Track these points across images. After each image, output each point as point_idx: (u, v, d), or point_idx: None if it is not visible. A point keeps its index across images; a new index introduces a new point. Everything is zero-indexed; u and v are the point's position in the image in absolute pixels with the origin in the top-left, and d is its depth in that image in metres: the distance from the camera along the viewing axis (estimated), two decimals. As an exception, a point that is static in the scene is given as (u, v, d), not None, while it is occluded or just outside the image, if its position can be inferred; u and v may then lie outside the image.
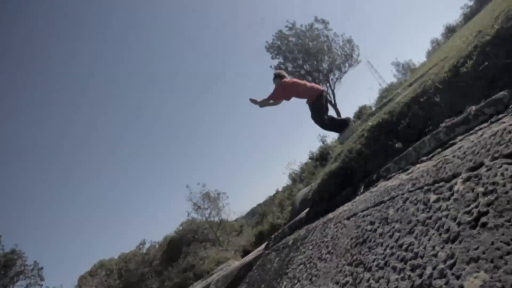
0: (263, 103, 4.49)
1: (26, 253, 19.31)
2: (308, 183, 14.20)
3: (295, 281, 1.90)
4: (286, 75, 4.65)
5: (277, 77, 4.54)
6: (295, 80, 4.68)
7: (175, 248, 19.51)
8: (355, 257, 1.46)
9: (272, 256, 2.77)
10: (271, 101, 4.54)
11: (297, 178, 18.67)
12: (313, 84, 4.55)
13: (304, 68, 25.83)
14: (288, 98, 4.57)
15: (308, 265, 1.92)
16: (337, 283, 1.42)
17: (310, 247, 2.14)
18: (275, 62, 26.41)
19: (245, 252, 16.88)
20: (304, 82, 4.60)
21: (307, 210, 3.97)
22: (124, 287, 16.30)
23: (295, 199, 6.89)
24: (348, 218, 1.93)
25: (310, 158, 17.25)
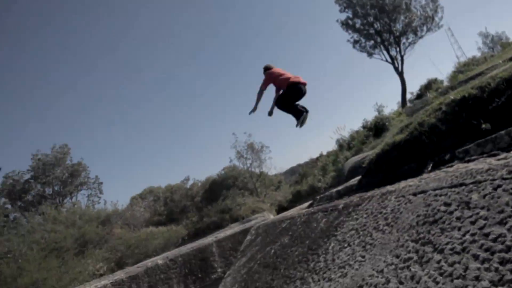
0: (257, 101, 5.19)
1: (89, 167, 21.99)
2: (357, 151, 13.75)
3: (345, 245, 1.89)
4: (273, 66, 5.32)
5: (265, 70, 5.24)
6: (279, 70, 5.19)
7: (216, 189, 20.77)
8: (422, 235, 1.38)
9: (318, 216, 2.78)
10: (262, 92, 5.24)
11: (345, 145, 18.14)
12: (295, 76, 5.00)
13: (374, 27, 23.46)
14: (274, 83, 5.18)
15: (361, 233, 1.89)
16: (397, 256, 1.37)
17: (365, 216, 2.09)
18: (343, 16, 24.34)
19: (280, 208, 17.46)
20: (286, 72, 5.12)
21: (358, 178, 3.85)
22: (168, 214, 18.01)
23: (344, 165, 6.73)
24: (414, 194, 1.82)
25: (363, 127, 16.45)
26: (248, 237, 3.85)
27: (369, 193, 2.50)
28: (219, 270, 4.80)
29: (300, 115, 4.86)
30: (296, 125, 4.99)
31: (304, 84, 4.92)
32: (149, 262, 4.73)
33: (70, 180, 20.22)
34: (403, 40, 23.25)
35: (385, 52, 23.74)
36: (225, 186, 20.87)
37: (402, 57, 23.36)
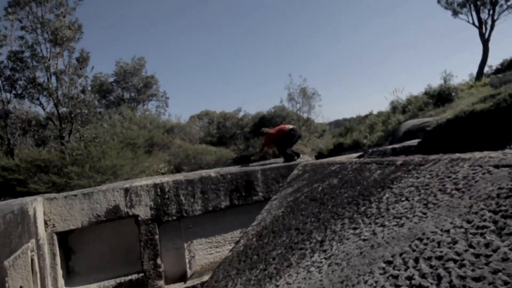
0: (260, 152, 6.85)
1: (160, 82, 23.15)
2: (411, 116, 12.62)
3: (402, 198, 1.78)
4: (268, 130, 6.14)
5: (262, 134, 6.06)
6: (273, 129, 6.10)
7: (263, 125, 20.96)
8: (503, 208, 1.21)
9: (372, 167, 2.64)
10: (265, 149, 6.49)
11: (399, 108, 16.69)
12: (285, 125, 5.98)
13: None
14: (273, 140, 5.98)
15: (422, 191, 1.74)
16: (468, 221, 1.24)
17: (428, 176, 1.91)
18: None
19: (320, 155, 17.34)
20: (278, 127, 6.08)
21: (417, 140, 3.54)
22: (219, 138, 18.94)
23: (400, 126, 6.24)
24: (497, 166, 1.58)
25: (425, 93, 14.74)
26: (295, 172, 3.90)
27: (434, 156, 2.26)
28: (260, 194, 4.98)
29: (291, 159, 5.64)
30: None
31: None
32: (203, 172, 5.02)
33: (143, 90, 21.64)
34: (501, 1, 18.85)
35: (474, 13, 19.66)
36: (273, 123, 20.95)
37: (493, 21, 19.18)
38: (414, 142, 3.48)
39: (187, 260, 4.40)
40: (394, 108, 17.06)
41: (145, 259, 3.97)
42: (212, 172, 4.77)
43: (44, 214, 3.37)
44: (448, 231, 1.21)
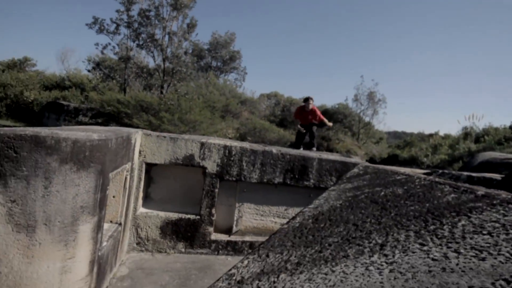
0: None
1: (243, 58, 23.67)
2: (486, 148, 10.75)
3: (484, 231, 1.49)
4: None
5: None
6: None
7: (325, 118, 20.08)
8: None
9: (445, 188, 2.29)
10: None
11: (472, 135, 14.37)
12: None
13: None
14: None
15: (511, 231, 1.44)
16: None
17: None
18: None
19: (371, 161, 16.13)
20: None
21: (502, 175, 2.97)
22: (281, 120, 18.84)
23: (477, 156, 5.35)
24: None
25: (511, 127, 12.34)
26: (356, 170, 3.65)
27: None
28: (311, 180, 4.84)
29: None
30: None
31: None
32: (266, 147, 5.00)
33: (228, 61, 22.37)
34: None
35: None
36: (334, 119, 19.99)
37: None
38: (496, 176, 2.93)
39: (235, 218, 4.59)
40: (466, 134, 14.77)
41: (204, 206, 4.24)
42: (274, 149, 4.75)
43: (140, 145, 3.77)
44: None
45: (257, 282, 1.40)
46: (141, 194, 4.01)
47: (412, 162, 13.45)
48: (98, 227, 2.39)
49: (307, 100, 6.09)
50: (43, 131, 1.87)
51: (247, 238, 4.51)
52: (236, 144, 4.66)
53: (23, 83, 16.52)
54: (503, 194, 2.11)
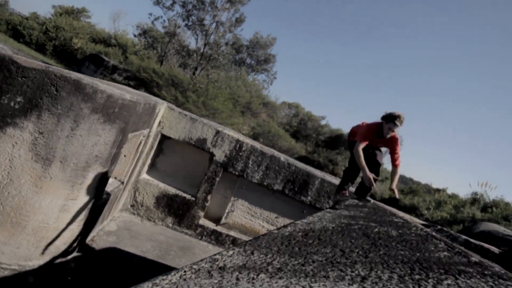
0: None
1: (277, 62, 23.72)
2: (491, 219, 10.40)
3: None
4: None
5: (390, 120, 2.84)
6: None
7: (337, 142, 19.82)
8: None
9: (440, 244, 2.27)
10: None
11: (481, 202, 13.92)
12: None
13: None
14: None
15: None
16: None
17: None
18: None
19: (371, 197, 15.83)
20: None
21: (500, 250, 2.91)
22: (295, 131, 18.75)
23: (480, 224, 5.21)
24: None
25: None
26: (356, 200, 3.64)
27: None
28: (308, 197, 4.85)
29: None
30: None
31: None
32: (275, 152, 5.03)
33: (262, 62, 22.52)
34: None
35: None
36: (346, 145, 19.67)
37: None
38: (495, 249, 2.87)
39: (227, 210, 4.64)
40: (474, 200, 14.31)
41: (201, 190, 4.32)
42: (282, 157, 4.79)
43: (162, 116, 3.88)
44: None
45: (237, 273, 1.45)
46: (148, 161, 4.12)
47: (412, 210, 13.15)
48: (105, 179, 2.49)
49: (394, 118, 2.81)
50: (85, 78, 1.98)
51: (232, 233, 4.56)
52: (248, 141, 4.72)
53: (74, 30, 17.45)
54: (497, 267, 2.08)
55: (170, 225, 4.32)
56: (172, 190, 4.27)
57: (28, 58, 1.94)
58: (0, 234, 1.98)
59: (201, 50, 10.13)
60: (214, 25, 10.28)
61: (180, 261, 3.71)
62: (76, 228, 2.38)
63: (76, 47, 16.15)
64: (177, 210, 4.29)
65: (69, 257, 2.45)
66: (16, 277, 2.13)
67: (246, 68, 19.33)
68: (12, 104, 1.82)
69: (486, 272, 1.85)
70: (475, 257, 2.14)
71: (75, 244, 2.48)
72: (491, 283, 1.70)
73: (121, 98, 2.22)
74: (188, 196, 4.32)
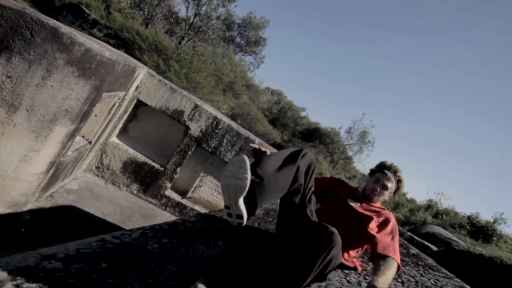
0: None
1: (266, 46, 23.35)
2: (440, 224, 11.52)
3: (401, 285, 1.75)
4: None
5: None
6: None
7: (312, 135, 20.37)
8: None
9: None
10: None
11: (434, 209, 15.28)
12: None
13: None
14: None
15: (419, 286, 1.70)
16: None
17: (432, 281, 1.85)
18: None
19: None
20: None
21: (437, 249, 3.33)
22: (274, 118, 18.95)
23: (427, 226, 5.79)
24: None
25: (469, 218, 13.15)
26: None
27: (446, 271, 2.15)
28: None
29: None
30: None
31: None
32: (250, 135, 5.13)
33: (251, 44, 22.08)
34: None
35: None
36: (321, 140, 20.31)
37: None
38: (434, 247, 3.27)
39: (194, 185, 4.72)
40: (429, 206, 15.64)
41: (171, 161, 4.34)
42: (257, 140, 4.91)
43: (140, 81, 3.78)
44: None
45: (196, 237, 1.57)
46: (120, 125, 4.03)
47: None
48: (71, 136, 2.44)
49: (384, 169, 1.59)
50: (64, 27, 1.90)
51: (197, 207, 4.68)
52: (226, 120, 4.76)
53: None
54: (430, 260, 2.42)
55: (135, 192, 4.32)
56: (141, 158, 4.24)
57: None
58: (-49, 176, 1.91)
59: (191, 20, 9.73)
60: (207, -4, 9.91)
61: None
62: (35, 180, 2.34)
63: (54, -7, 14.64)
64: (144, 178, 4.29)
65: (25, 209, 2.42)
66: (-34, 222, 2.08)
67: (234, 47, 18.88)
68: (-22, 40, 1.71)
69: (419, 263, 2.17)
70: (414, 250, 2.46)
71: (32, 198, 2.44)
72: (421, 271, 2.01)
73: (100, 54, 2.16)
74: (157, 166, 4.33)
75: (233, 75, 10.72)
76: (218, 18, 10.64)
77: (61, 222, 2.86)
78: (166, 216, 4.41)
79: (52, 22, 1.84)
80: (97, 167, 4.08)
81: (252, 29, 21.36)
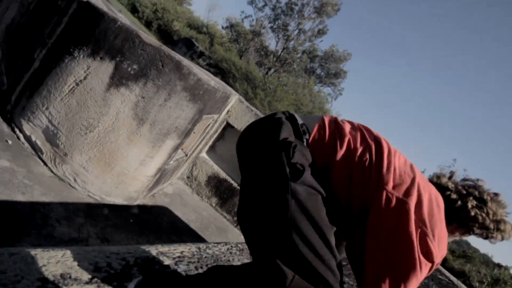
0: None
1: (344, 80, 22.88)
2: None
3: None
4: None
5: None
6: None
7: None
8: None
9: None
10: None
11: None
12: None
13: None
14: None
15: None
16: None
17: None
18: None
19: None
20: None
21: None
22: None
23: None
24: None
25: None
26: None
27: None
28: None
29: None
30: None
31: None
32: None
33: (331, 76, 22.05)
34: None
35: None
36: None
37: None
38: None
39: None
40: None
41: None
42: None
43: (231, 106, 4.23)
44: None
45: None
46: (210, 143, 4.52)
47: (459, 277, 11.47)
48: (176, 148, 2.87)
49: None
50: (184, 60, 2.34)
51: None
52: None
53: (176, 14, 20.33)
54: None
55: (213, 204, 4.66)
56: (222, 174, 4.60)
57: (146, 35, 2.37)
58: (95, 169, 2.48)
59: (279, 53, 10.52)
60: (296, 32, 10.60)
61: (215, 239, 4.01)
62: (146, 181, 2.81)
63: (174, 29, 18.52)
64: (222, 193, 4.61)
65: (135, 203, 2.91)
66: (96, 206, 2.63)
67: (314, 78, 19.20)
68: (129, 69, 2.27)
69: None
70: None
71: (141, 195, 2.92)
72: None
73: (207, 83, 2.54)
74: (234, 184, 4.60)
75: (311, 106, 10.82)
76: (303, 52, 11.21)
77: (157, 219, 3.31)
78: (236, 233, 4.57)
79: (177, 56, 2.29)
80: (188, 177, 4.62)
81: (333, 62, 21.39)
